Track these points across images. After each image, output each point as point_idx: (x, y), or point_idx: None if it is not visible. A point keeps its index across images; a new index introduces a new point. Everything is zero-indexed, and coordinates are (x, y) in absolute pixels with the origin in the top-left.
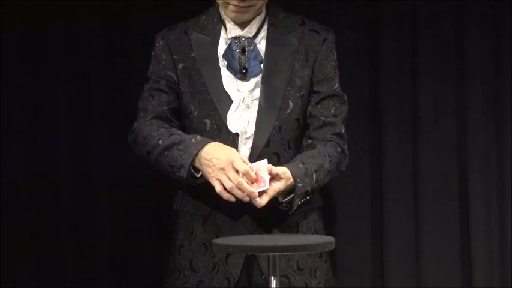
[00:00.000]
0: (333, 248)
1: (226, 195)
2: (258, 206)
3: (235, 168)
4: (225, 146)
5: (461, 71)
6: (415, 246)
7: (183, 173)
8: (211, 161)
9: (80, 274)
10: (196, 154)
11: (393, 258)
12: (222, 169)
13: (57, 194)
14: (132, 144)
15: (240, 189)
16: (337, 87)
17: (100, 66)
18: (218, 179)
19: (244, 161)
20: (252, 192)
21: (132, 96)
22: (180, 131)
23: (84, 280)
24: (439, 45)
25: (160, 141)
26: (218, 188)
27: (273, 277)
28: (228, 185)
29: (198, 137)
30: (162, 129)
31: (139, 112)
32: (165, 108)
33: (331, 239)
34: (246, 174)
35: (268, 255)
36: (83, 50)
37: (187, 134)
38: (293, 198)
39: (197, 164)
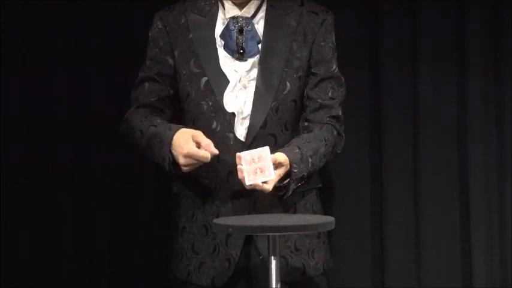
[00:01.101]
0: (332, 228)
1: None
2: (265, 192)
3: (198, 141)
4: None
5: (462, 52)
6: (415, 240)
7: (167, 167)
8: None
9: (80, 263)
10: (170, 150)
11: (393, 250)
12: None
13: (57, 183)
14: (122, 133)
15: (190, 157)
16: (335, 69)
17: (100, 55)
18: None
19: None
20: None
21: (132, 84)
22: (158, 121)
23: (84, 268)
24: (440, 26)
25: (142, 134)
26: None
27: (272, 257)
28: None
29: (168, 130)
30: (145, 120)
31: (131, 101)
32: (154, 98)
33: (331, 219)
34: (206, 147)
35: (268, 235)
36: (82, 42)
37: (187, 117)
38: (289, 183)
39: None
